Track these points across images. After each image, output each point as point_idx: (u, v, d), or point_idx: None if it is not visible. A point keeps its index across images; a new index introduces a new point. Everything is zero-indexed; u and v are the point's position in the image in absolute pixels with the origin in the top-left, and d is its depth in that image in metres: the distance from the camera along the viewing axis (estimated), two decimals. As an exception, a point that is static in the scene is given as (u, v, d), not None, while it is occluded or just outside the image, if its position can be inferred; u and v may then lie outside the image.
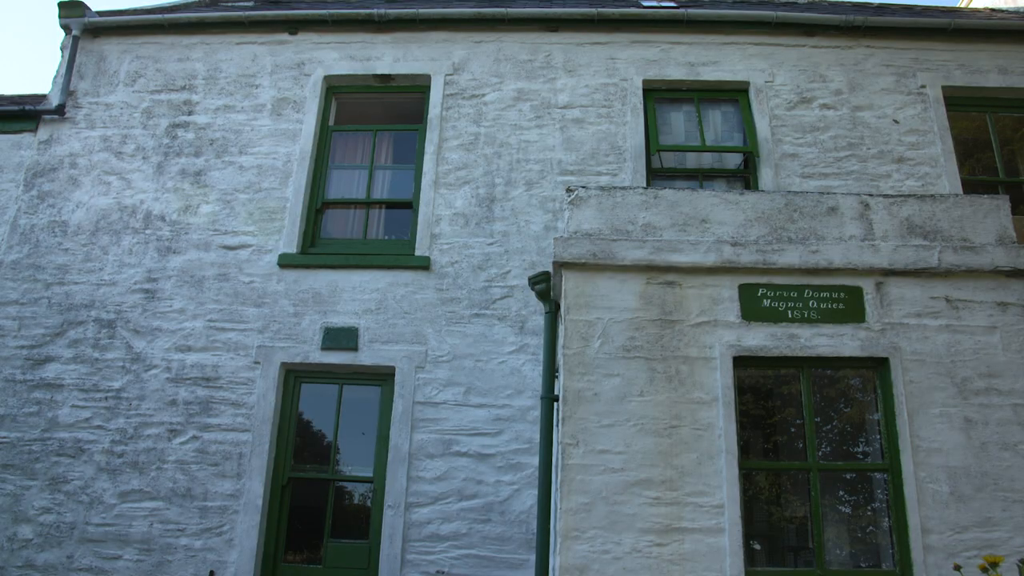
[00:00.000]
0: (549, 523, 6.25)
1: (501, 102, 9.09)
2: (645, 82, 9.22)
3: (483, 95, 9.14)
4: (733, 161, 9.21)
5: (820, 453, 5.96)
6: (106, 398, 8.31)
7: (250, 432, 7.96)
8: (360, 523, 7.87)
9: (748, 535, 5.68)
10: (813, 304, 5.97)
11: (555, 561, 5.64)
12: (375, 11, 9.38)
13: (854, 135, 8.90)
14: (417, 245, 8.46)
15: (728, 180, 9.12)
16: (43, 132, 9.64)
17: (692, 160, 9.20)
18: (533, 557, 7.07)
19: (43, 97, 10.00)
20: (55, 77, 9.85)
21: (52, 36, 63.14)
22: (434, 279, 8.30)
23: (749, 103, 9.16)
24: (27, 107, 9.69)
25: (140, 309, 8.58)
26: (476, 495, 7.60)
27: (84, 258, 8.89)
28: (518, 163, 8.77)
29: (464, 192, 8.64)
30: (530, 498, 7.48)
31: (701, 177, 9.06)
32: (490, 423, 7.82)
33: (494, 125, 8.97)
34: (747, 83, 9.23)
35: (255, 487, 7.77)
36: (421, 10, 9.39)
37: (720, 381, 5.74)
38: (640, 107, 9.03)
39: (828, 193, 6.39)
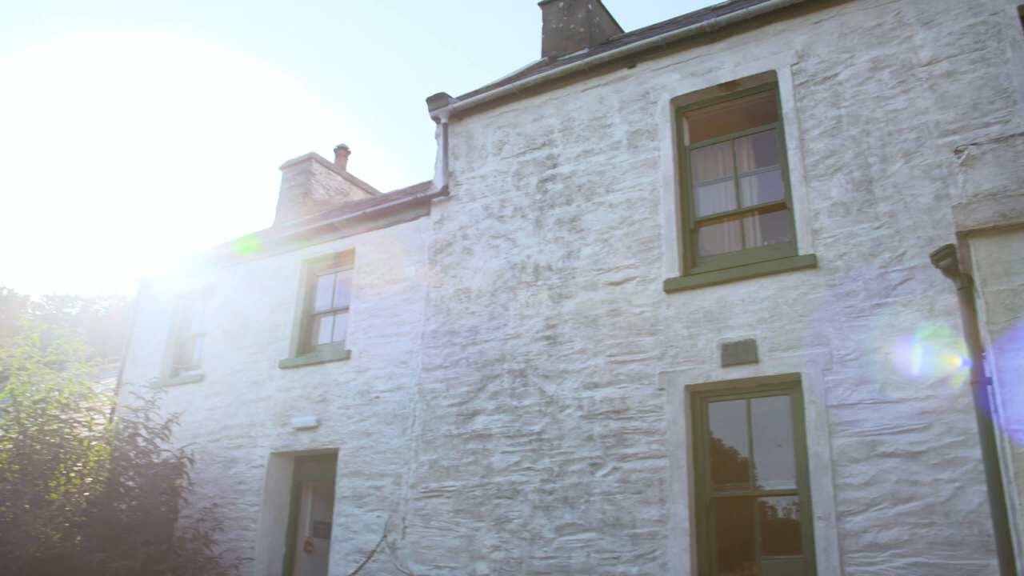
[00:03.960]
0: (1007, 522, 5.59)
1: (857, 77, 8.50)
2: (1021, 8, 8.10)
3: (835, 75, 8.61)
4: None
5: None
6: (529, 441, 8.98)
7: (666, 457, 8.12)
8: (790, 537, 7.63)
9: None
10: None
11: (1023, 565, 5.02)
12: (706, 22, 9.31)
13: None
14: (799, 244, 8.14)
15: None
16: (435, 213, 10.84)
17: (1103, 82, 7.89)
18: (994, 561, 6.35)
19: (428, 184, 11.27)
20: (435, 163, 11.05)
21: (421, 128, 70.97)
22: (824, 276, 7.92)
23: None
24: (418, 195, 11.00)
25: (545, 355, 9.21)
26: (913, 497, 7.00)
27: (489, 317, 9.78)
28: (890, 136, 8.12)
29: (838, 180, 8.19)
30: (977, 495, 6.72)
31: (1120, 99, 7.73)
32: (915, 418, 7.20)
33: (854, 103, 8.41)
34: None
35: (680, 510, 7.88)
36: (752, 7, 9.13)
37: None
38: (1022, 38, 7.95)
39: None
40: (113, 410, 12.89)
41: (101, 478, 10.70)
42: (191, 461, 11.61)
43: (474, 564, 8.92)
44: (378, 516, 9.96)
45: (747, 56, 9.13)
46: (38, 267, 55.90)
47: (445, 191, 10.77)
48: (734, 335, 8.14)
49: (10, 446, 10.48)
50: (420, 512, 9.54)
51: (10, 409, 10.78)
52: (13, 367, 11.07)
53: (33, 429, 10.56)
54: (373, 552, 9.75)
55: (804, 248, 8.09)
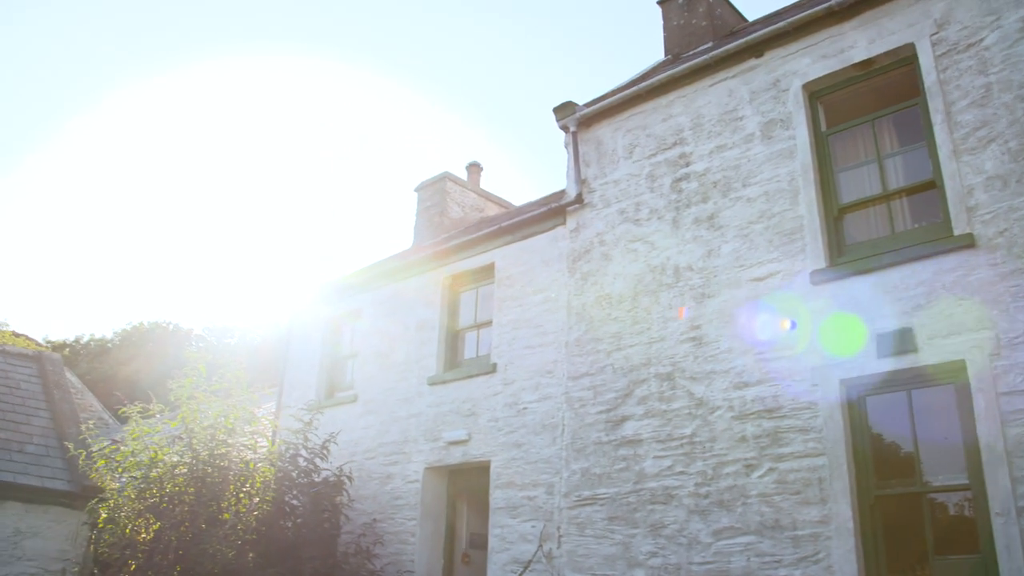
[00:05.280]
0: None
1: (1005, 39, 7.92)
2: None
3: (980, 40, 8.05)
4: None
5: None
6: (681, 445, 8.85)
7: (824, 455, 7.82)
8: (964, 535, 7.20)
9: None
10: None
11: None
12: (834, 1, 8.91)
13: None
14: (953, 224, 7.67)
15: None
16: (571, 222, 10.89)
17: None
18: None
19: (561, 193, 11.32)
20: (567, 172, 11.09)
21: (549, 138, 71.60)
22: (983, 255, 7.43)
23: None
24: (553, 205, 11.08)
25: (692, 357, 9.06)
26: (1104, 488, 6.49)
27: (632, 322, 9.71)
28: (1048, 99, 7.57)
29: (992, 152, 7.67)
30: None
31: None
32: (1100, 401, 6.67)
33: (1004, 67, 7.85)
34: None
35: (843, 510, 7.58)
36: (883, -19, 8.71)
37: None
38: None
39: None
40: (274, 433, 13.52)
41: (268, 498, 11.21)
42: (350, 479, 12.03)
43: (631, 571, 8.85)
44: (533, 526, 10.03)
45: (881, 32, 8.72)
46: (198, 301, 59.41)
47: (579, 199, 10.79)
48: (889, 324, 7.74)
49: (185, 470, 11.14)
50: (574, 521, 9.55)
51: (183, 436, 11.46)
52: (183, 397, 11.76)
53: (204, 454, 11.20)
54: (530, 562, 9.82)
55: (959, 227, 7.62)
